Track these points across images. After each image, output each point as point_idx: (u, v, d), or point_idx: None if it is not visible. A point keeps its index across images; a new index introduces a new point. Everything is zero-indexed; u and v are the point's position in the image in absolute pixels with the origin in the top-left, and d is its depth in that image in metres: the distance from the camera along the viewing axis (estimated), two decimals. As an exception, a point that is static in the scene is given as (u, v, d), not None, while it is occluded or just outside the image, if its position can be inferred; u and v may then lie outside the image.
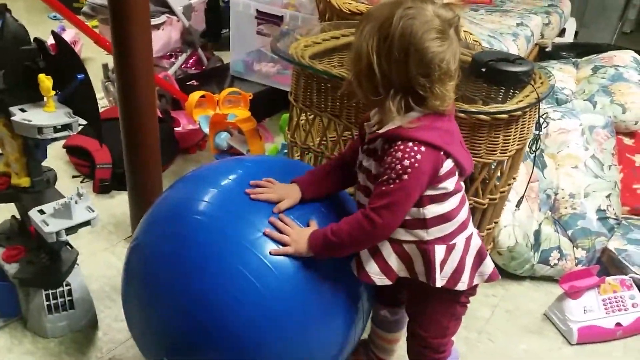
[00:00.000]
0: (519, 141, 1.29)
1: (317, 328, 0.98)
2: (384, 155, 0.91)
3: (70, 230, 1.14)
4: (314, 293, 0.96)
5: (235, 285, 0.91)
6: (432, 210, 0.93)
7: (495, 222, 1.45)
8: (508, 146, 1.26)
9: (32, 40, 1.16)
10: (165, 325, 0.98)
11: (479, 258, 0.99)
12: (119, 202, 1.78)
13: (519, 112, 1.22)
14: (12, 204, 1.31)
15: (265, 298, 0.92)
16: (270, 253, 0.93)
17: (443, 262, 0.95)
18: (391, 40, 0.86)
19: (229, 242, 0.94)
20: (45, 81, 1.09)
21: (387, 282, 0.97)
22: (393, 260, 0.97)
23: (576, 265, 1.63)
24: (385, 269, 0.97)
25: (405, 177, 0.87)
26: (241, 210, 0.97)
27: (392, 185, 0.88)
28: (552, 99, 2.07)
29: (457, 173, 0.94)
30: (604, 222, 1.68)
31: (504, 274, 1.63)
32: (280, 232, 0.94)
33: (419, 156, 0.87)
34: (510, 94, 1.44)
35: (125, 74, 1.42)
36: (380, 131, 0.92)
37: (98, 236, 1.64)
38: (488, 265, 1.00)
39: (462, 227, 0.97)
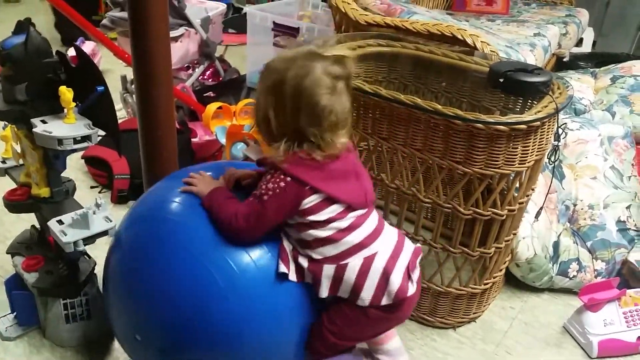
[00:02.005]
0: (537, 152, 1.28)
1: (287, 325, 1.03)
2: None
3: (88, 240, 1.15)
4: (281, 291, 1.01)
5: (200, 283, 0.97)
6: (311, 235, 1.00)
7: (514, 234, 1.44)
8: (527, 157, 1.25)
9: (54, 53, 1.18)
10: (139, 318, 1.03)
11: (384, 278, 1.02)
12: (137, 212, 1.80)
13: (538, 123, 1.21)
14: (32, 214, 1.32)
15: (229, 296, 0.97)
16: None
17: (335, 281, 1.01)
18: (284, 97, 0.96)
19: (197, 242, 1.00)
20: (66, 93, 1.11)
21: (284, 268, 1.01)
22: (289, 255, 1.03)
23: (595, 277, 1.60)
24: (283, 254, 1.02)
25: (265, 197, 0.97)
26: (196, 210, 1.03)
27: (256, 201, 0.98)
28: (570, 110, 2.05)
29: (329, 207, 0.99)
30: (624, 234, 1.66)
31: (523, 285, 1.61)
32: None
33: (282, 184, 0.96)
34: (529, 104, 1.44)
35: (145, 86, 1.43)
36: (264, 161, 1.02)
37: (116, 246, 1.65)
38: (393, 283, 1.02)
39: (357, 248, 1.01)
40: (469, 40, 1.63)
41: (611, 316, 1.43)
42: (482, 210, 1.29)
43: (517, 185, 1.32)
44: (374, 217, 1.07)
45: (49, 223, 1.16)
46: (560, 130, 1.32)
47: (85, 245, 1.14)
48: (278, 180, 0.97)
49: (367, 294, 1.01)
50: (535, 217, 1.48)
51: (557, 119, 1.29)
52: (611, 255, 1.61)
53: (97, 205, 1.18)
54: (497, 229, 1.34)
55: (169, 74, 1.47)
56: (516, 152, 1.23)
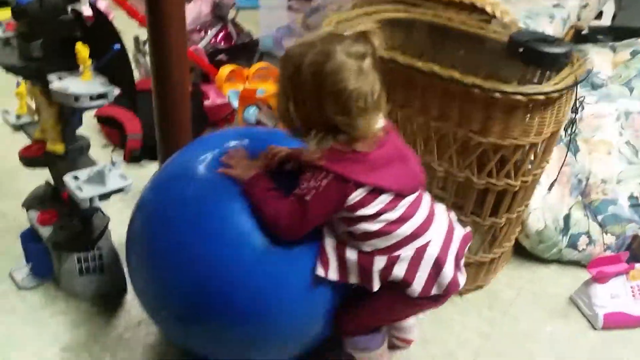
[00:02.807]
0: (554, 124, 1.27)
1: (316, 300, 1.02)
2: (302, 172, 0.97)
3: (104, 196, 1.17)
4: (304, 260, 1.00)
5: (223, 248, 0.96)
6: (361, 228, 0.96)
7: (526, 205, 1.44)
8: (543, 128, 1.24)
9: (69, 10, 1.17)
10: (164, 284, 1.03)
11: (436, 268, 0.99)
12: (149, 172, 1.80)
13: (556, 94, 1.19)
14: (46, 170, 1.34)
15: (258, 264, 0.96)
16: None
17: (386, 272, 0.98)
18: (304, 88, 0.89)
19: (224, 204, 0.99)
20: (82, 50, 1.11)
21: (322, 271, 0.99)
22: (331, 254, 0.99)
23: (605, 251, 1.61)
24: (323, 258, 0.99)
25: (308, 197, 0.92)
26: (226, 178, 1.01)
27: (298, 201, 0.93)
28: (587, 84, 2.02)
29: (377, 199, 0.94)
30: (636, 209, 1.65)
31: (531, 257, 1.62)
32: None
33: (324, 182, 0.91)
34: (547, 75, 1.42)
35: (159, 46, 1.42)
36: (301, 157, 0.99)
37: (128, 204, 1.64)
38: (446, 276, 0.99)
39: (409, 239, 0.98)
40: (488, 9, 1.60)
41: (618, 289, 1.43)
42: (496, 180, 1.29)
43: (532, 156, 1.31)
44: (426, 202, 1.02)
45: (65, 178, 1.18)
46: (578, 103, 1.31)
47: (100, 201, 1.16)
48: (320, 178, 0.91)
49: (417, 286, 0.98)
50: (548, 189, 1.48)
51: (576, 91, 1.28)
52: (622, 230, 1.61)
53: (113, 163, 1.19)
54: (510, 200, 1.34)
55: (183, 35, 1.46)
56: (533, 123, 1.22)
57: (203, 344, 1.07)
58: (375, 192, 0.94)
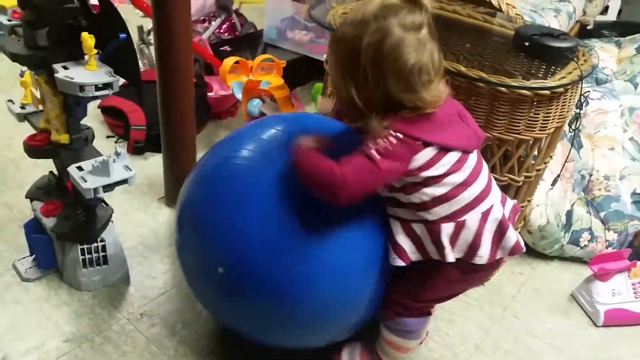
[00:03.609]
0: (559, 119, 1.27)
1: (360, 284, 1.01)
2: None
3: (108, 187, 1.16)
4: (356, 247, 0.99)
5: (270, 230, 0.96)
6: (427, 193, 0.93)
7: (529, 200, 1.44)
8: (548, 123, 1.24)
9: (75, -2, 1.17)
10: (210, 257, 1.03)
11: (499, 232, 0.97)
12: (153, 164, 1.81)
13: (562, 89, 1.19)
14: (50, 160, 1.34)
15: (302, 245, 0.95)
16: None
17: (453, 239, 0.96)
18: (365, 70, 0.87)
19: (266, 188, 0.98)
20: (88, 40, 1.10)
21: (400, 262, 0.98)
22: (403, 240, 0.98)
23: (607, 247, 1.61)
24: (397, 248, 0.98)
25: (376, 154, 0.88)
26: (277, 158, 1.01)
27: (364, 157, 0.88)
28: (591, 79, 2.02)
29: (443, 158, 0.92)
30: (638, 206, 1.65)
31: (533, 252, 1.62)
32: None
33: (393, 140, 0.88)
34: (552, 70, 1.41)
35: (164, 36, 1.42)
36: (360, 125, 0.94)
37: (131, 196, 1.67)
38: (510, 238, 0.98)
39: (474, 203, 0.96)
40: (494, 2, 1.60)
41: (620, 286, 1.44)
42: (499, 175, 1.29)
43: (536, 152, 1.31)
44: (485, 165, 1.00)
45: (69, 169, 1.18)
46: (582, 98, 1.30)
47: (104, 192, 1.16)
48: (386, 137, 0.88)
49: (484, 251, 0.97)
50: (551, 185, 1.47)
51: (581, 86, 1.27)
52: (624, 226, 1.61)
53: (117, 154, 1.18)
54: (513, 195, 1.34)
55: (188, 25, 1.45)
56: (537, 118, 1.22)
57: (246, 323, 1.07)
58: (443, 151, 0.92)
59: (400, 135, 0.88)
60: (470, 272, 1.01)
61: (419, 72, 0.86)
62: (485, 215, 0.97)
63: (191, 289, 1.17)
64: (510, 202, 1.04)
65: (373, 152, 0.88)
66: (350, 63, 0.88)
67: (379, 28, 0.85)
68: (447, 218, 0.95)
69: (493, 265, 1.02)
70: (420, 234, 0.97)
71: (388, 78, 0.86)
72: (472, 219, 0.96)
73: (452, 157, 0.93)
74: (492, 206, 0.98)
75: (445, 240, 0.96)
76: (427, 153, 0.90)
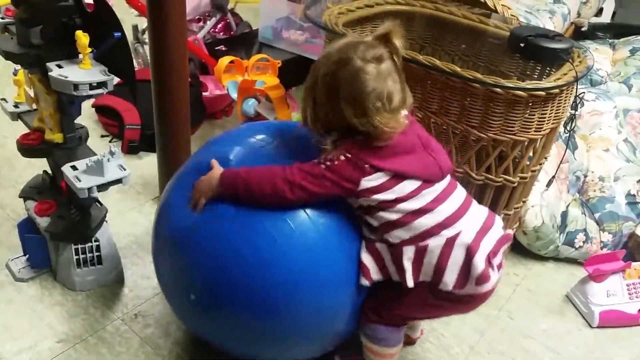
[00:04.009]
0: (554, 120, 1.27)
1: (343, 291, 1.01)
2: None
3: (102, 187, 1.16)
4: (339, 256, 0.99)
5: (256, 242, 0.96)
6: (381, 217, 0.96)
7: (524, 201, 1.44)
8: (543, 124, 1.24)
9: (69, -4, 1.16)
10: (188, 271, 1.03)
11: (467, 257, 0.95)
12: (147, 163, 1.80)
13: (557, 90, 1.19)
14: (43, 160, 1.33)
15: (285, 255, 0.96)
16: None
17: (416, 262, 0.96)
18: (323, 95, 0.94)
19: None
20: (82, 38, 1.10)
21: (365, 281, 1.00)
22: (367, 259, 1.00)
23: (601, 249, 1.61)
24: (361, 267, 1.00)
25: (323, 166, 0.94)
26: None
27: (315, 165, 0.95)
28: (586, 80, 2.02)
29: (397, 185, 0.94)
30: (632, 207, 1.66)
31: (528, 253, 1.62)
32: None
33: (342, 157, 0.93)
34: (547, 71, 1.41)
35: (159, 36, 1.41)
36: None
37: (126, 196, 1.66)
38: (476, 267, 0.95)
39: (436, 229, 0.95)
40: (490, 3, 1.60)
41: (614, 287, 1.44)
42: (494, 176, 1.29)
43: (531, 152, 1.31)
44: (458, 195, 1.00)
45: (63, 168, 1.17)
46: (577, 100, 1.31)
47: (98, 192, 1.15)
48: (338, 154, 0.94)
49: (449, 278, 0.95)
50: (546, 186, 1.48)
51: (576, 87, 1.28)
52: (618, 227, 1.62)
53: (111, 153, 1.18)
54: (508, 196, 1.34)
55: (183, 24, 1.45)
56: (533, 119, 1.22)
57: (224, 335, 1.06)
58: (396, 178, 0.94)
59: (349, 155, 0.93)
60: (444, 299, 0.99)
61: (374, 99, 0.91)
62: (450, 241, 0.95)
63: (168, 302, 1.15)
64: (500, 231, 1.01)
65: (321, 163, 0.94)
66: (313, 89, 0.96)
67: (339, 58, 0.93)
68: (408, 241, 0.96)
69: (474, 296, 0.99)
70: (382, 254, 0.99)
71: (343, 104, 0.92)
72: (434, 244, 0.95)
73: (408, 185, 0.95)
74: (459, 232, 0.96)
75: (406, 263, 0.97)
76: (377, 177, 0.94)
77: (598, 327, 1.42)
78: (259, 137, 1.09)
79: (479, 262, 0.95)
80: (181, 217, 1.03)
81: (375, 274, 1.00)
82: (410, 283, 0.97)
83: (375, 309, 1.05)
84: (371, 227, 0.99)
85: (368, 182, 0.94)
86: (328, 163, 0.94)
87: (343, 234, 1.00)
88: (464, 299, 0.99)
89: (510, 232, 1.06)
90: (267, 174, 0.96)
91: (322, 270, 0.98)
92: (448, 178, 1.01)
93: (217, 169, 1.00)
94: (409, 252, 0.96)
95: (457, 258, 0.95)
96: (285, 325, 0.99)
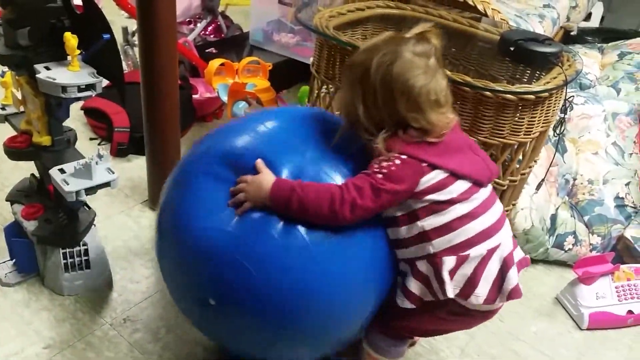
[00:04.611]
0: (543, 123, 1.28)
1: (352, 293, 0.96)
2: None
3: (90, 190, 1.15)
4: (351, 254, 0.94)
5: (256, 244, 0.90)
6: (430, 222, 0.91)
7: (513, 204, 1.44)
8: (532, 128, 1.24)
9: (57, -3, 1.15)
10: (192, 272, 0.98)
11: (502, 272, 0.93)
12: (136, 166, 1.79)
13: (546, 94, 1.20)
14: (30, 163, 1.31)
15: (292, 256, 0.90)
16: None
17: (452, 273, 0.92)
18: (374, 90, 0.90)
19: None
20: (71, 40, 1.08)
21: (408, 304, 0.96)
22: (412, 284, 0.95)
23: (591, 251, 1.62)
24: (406, 292, 0.96)
25: (380, 175, 0.89)
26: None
27: (369, 177, 0.90)
28: (575, 84, 2.04)
29: (451, 185, 0.91)
30: (621, 210, 1.67)
31: (518, 256, 1.63)
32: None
33: (397, 161, 0.89)
34: (536, 75, 1.42)
35: (148, 38, 1.41)
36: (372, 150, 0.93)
37: (114, 199, 1.65)
38: (511, 280, 0.93)
39: (480, 237, 0.92)
40: (480, 7, 1.61)
41: (603, 290, 1.45)
42: (485, 179, 1.29)
43: (521, 156, 1.32)
44: (498, 203, 0.98)
45: (50, 172, 1.16)
46: (567, 103, 1.31)
47: (86, 195, 1.14)
48: (393, 158, 0.89)
49: (482, 290, 0.92)
50: (535, 189, 1.48)
51: (565, 91, 1.28)
52: (607, 230, 1.63)
53: (100, 156, 1.17)
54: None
55: (173, 26, 1.44)
56: (522, 122, 1.22)
57: (238, 338, 1.03)
58: (452, 177, 0.91)
59: (404, 157, 0.89)
60: (457, 313, 0.97)
61: (427, 94, 0.89)
62: (490, 252, 0.92)
63: (176, 303, 1.10)
64: (520, 253, 0.99)
65: (377, 175, 0.89)
66: (361, 84, 0.91)
67: (389, 51, 0.90)
68: (448, 251, 0.92)
69: (485, 312, 0.98)
70: (426, 273, 0.94)
71: (397, 98, 0.89)
72: (475, 254, 0.91)
73: (461, 185, 0.92)
74: (499, 244, 0.93)
75: (445, 275, 0.92)
76: (435, 176, 0.90)
77: (588, 329, 1.43)
78: (277, 124, 1.02)
79: (514, 277, 0.93)
80: (205, 221, 0.94)
81: (424, 295, 0.95)
82: (451, 293, 0.92)
83: (384, 321, 1.03)
84: (410, 243, 0.94)
85: (425, 182, 0.90)
86: (385, 171, 0.89)
87: (367, 234, 0.95)
88: (476, 314, 0.98)
89: (528, 256, 1.03)
90: (324, 194, 0.89)
91: (340, 277, 0.93)
92: (490, 185, 0.99)
93: (268, 175, 0.92)
94: (449, 263, 0.91)
95: (492, 271, 0.92)
96: (301, 330, 0.95)
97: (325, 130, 1.00)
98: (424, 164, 0.90)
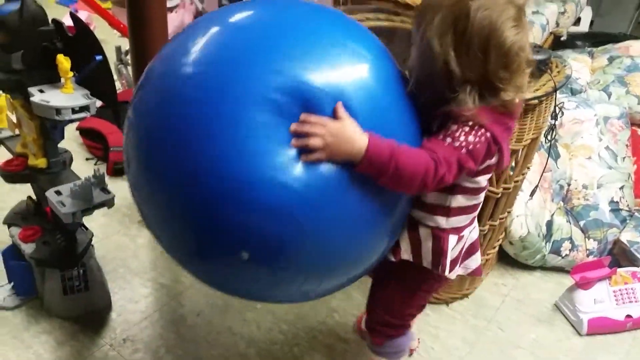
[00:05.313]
0: (534, 130, 1.28)
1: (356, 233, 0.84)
2: (445, 127, 0.85)
3: (87, 211, 1.15)
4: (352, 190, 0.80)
5: (246, 156, 0.74)
6: (459, 201, 0.92)
7: (508, 212, 1.45)
8: (523, 135, 1.25)
9: (50, 21, 1.16)
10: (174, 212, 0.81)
11: (470, 250, 1.00)
12: (132, 185, 1.79)
13: (536, 101, 1.21)
14: (27, 185, 1.32)
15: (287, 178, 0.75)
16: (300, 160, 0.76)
17: (451, 250, 0.96)
18: (470, 35, 0.80)
19: (231, 100, 0.75)
20: (64, 62, 1.09)
21: (392, 258, 0.96)
22: (403, 240, 0.95)
23: (587, 256, 1.63)
24: (395, 246, 0.96)
25: (464, 150, 0.82)
26: (244, 58, 0.77)
27: (453, 149, 0.82)
28: (566, 89, 2.05)
29: (493, 170, 0.93)
30: (616, 214, 1.68)
31: (516, 263, 1.63)
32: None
33: (483, 139, 0.83)
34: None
35: (141, 57, 1.42)
36: (447, 109, 0.84)
37: (111, 219, 1.65)
38: (476, 260, 1.01)
39: (472, 221, 0.99)
40: (469, 17, 1.62)
41: (601, 294, 1.45)
42: (479, 188, 1.30)
43: (513, 163, 1.33)
44: None
45: (47, 194, 1.16)
46: (557, 109, 1.33)
47: (83, 216, 1.14)
48: (479, 134, 0.83)
49: (454, 265, 0.98)
50: (529, 196, 1.49)
51: (555, 97, 1.30)
52: (603, 234, 1.64)
53: (95, 177, 1.17)
54: (492, 207, 1.35)
55: (165, 44, 1.45)
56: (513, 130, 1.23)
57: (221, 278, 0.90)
58: (497, 165, 0.90)
59: (489, 135, 0.83)
60: (437, 282, 1.03)
61: (518, 50, 0.82)
62: (470, 233, 0.99)
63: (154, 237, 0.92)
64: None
65: (462, 150, 0.82)
66: (456, 28, 0.81)
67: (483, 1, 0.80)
68: (455, 230, 0.95)
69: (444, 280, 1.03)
70: (422, 239, 0.94)
71: (491, 49, 0.80)
72: (466, 234, 0.97)
73: (490, 173, 0.93)
74: (474, 226, 1.01)
75: (449, 252, 0.94)
76: (494, 160, 0.89)
77: (587, 334, 1.43)
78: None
79: (478, 258, 1.01)
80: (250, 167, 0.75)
81: (405, 253, 0.96)
82: (447, 271, 0.96)
83: (387, 322, 1.05)
84: (428, 209, 0.92)
85: (485, 164, 0.88)
86: (471, 147, 0.82)
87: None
88: (440, 279, 1.02)
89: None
90: (420, 164, 0.80)
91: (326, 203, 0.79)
92: None
93: (354, 126, 0.77)
94: (452, 241, 0.94)
95: (463, 249, 0.99)
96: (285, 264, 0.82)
97: (398, 77, 0.87)
98: (497, 147, 0.85)
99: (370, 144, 0.77)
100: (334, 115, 0.77)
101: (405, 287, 1.03)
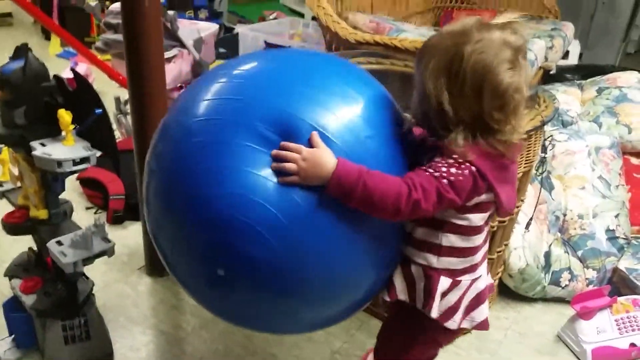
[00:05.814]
0: (525, 164, 1.31)
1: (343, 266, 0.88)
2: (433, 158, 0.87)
3: (88, 260, 1.17)
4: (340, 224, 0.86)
5: (240, 209, 0.82)
6: (451, 240, 0.91)
7: (505, 245, 1.46)
8: (515, 169, 1.28)
9: (51, 76, 1.20)
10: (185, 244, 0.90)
11: (476, 302, 0.96)
12: (132, 233, 1.81)
13: (524, 136, 1.24)
14: (29, 237, 1.33)
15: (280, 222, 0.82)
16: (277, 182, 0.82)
17: (444, 295, 0.93)
18: (463, 77, 0.82)
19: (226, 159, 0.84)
20: (65, 116, 1.13)
21: (387, 297, 0.96)
22: (397, 278, 0.95)
23: (587, 285, 1.63)
24: (390, 285, 0.96)
25: (445, 181, 0.83)
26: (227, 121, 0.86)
27: (434, 179, 0.83)
28: (557, 121, 2.09)
29: (489, 211, 0.91)
30: (613, 242, 1.69)
31: (516, 296, 1.63)
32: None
33: (466, 172, 0.84)
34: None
35: (140, 106, 1.46)
36: (436, 143, 0.87)
37: (112, 267, 1.66)
38: (482, 312, 0.96)
39: (473, 268, 0.95)
40: (457, 57, 1.67)
41: (604, 324, 1.45)
42: (474, 222, 1.31)
43: (507, 197, 1.35)
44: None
45: (48, 244, 1.18)
46: (547, 143, 1.36)
47: (84, 265, 1.16)
48: (463, 167, 0.83)
49: (458, 317, 0.94)
50: (525, 228, 1.51)
51: (544, 131, 1.33)
52: (601, 263, 1.64)
53: (96, 226, 1.19)
54: (489, 241, 1.36)
55: (163, 94, 1.49)
56: (505, 164, 1.25)
57: (242, 311, 0.95)
58: (491, 203, 0.89)
59: (474, 169, 0.84)
60: (441, 335, 1.00)
61: (514, 92, 0.83)
62: (472, 282, 0.95)
63: (171, 273, 0.98)
64: (490, 279, 1.02)
65: (444, 180, 0.83)
66: (449, 71, 0.83)
67: (482, 38, 0.82)
68: (449, 272, 0.92)
69: (455, 332, 1.00)
70: (416, 278, 0.94)
71: (485, 91, 0.82)
72: (465, 282, 0.93)
73: (489, 212, 0.91)
74: (480, 276, 0.96)
75: (437, 295, 0.92)
76: (485, 198, 0.88)
77: (592, 365, 1.42)
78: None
79: (485, 309, 0.96)
80: (218, 186, 0.83)
81: (401, 294, 0.95)
82: (435, 313, 0.93)
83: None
84: (419, 245, 0.92)
85: (474, 200, 0.87)
86: (452, 179, 0.83)
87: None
88: (452, 333, 1.00)
89: (493, 281, 1.06)
90: (392, 188, 0.82)
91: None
92: None
93: (327, 153, 0.82)
94: (444, 284, 0.92)
95: (469, 300, 0.95)
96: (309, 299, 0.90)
97: (389, 114, 0.93)
98: (485, 184, 0.85)
99: (338, 166, 0.82)
100: (309, 143, 0.83)
101: (404, 331, 1.01)
